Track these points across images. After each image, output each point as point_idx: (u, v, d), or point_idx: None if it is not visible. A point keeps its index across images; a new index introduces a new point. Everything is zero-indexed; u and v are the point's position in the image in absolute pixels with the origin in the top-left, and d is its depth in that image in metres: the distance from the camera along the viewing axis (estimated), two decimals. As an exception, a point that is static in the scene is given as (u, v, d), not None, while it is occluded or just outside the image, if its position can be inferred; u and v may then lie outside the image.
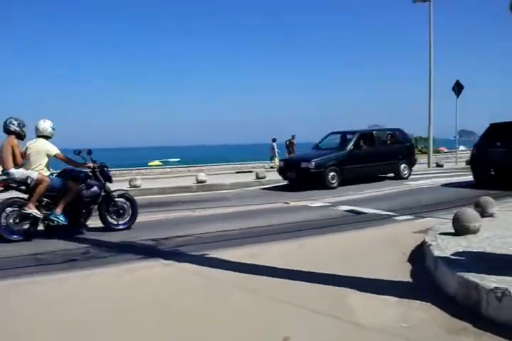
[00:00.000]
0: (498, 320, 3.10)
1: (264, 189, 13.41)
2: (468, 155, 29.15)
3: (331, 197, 10.90)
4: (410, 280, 4.36)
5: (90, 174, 7.29)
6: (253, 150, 60.14)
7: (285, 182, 13.88)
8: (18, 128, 6.98)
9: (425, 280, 4.29)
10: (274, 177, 14.75)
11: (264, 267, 4.93)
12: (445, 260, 4.14)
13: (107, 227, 7.30)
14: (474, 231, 5.25)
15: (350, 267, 4.81)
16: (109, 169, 7.72)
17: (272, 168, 21.47)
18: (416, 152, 30.65)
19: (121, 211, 7.39)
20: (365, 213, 8.42)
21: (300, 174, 12.87)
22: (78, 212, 7.04)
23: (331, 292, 4.03)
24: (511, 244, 4.74)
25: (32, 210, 6.62)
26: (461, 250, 4.50)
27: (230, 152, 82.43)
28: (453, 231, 5.43)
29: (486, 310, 3.21)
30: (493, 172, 11.40)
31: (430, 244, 4.89)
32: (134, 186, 12.66)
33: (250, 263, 5.11)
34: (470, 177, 12.42)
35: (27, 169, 6.84)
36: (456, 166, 19.43)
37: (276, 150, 23.90)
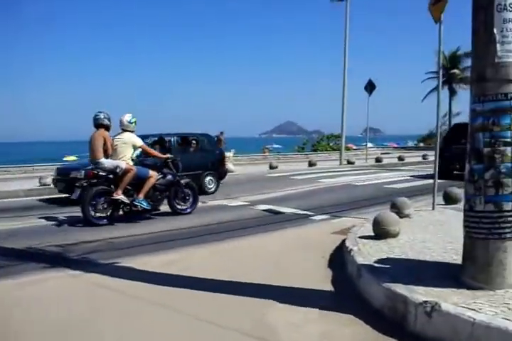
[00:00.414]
0: (426, 335, 2.96)
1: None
2: (377, 152, 30.76)
3: (253, 195, 10.70)
4: (332, 288, 4.18)
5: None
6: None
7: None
8: (107, 122, 7.77)
9: (348, 289, 4.12)
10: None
11: (182, 278, 4.53)
12: (369, 268, 3.99)
13: (174, 212, 8.28)
14: (394, 235, 5.20)
15: (269, 275, 4.55)
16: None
17: None
18: (327, 149, 31.81)
19: (187, 197, 8.47)
20: (283, 213, 8.28)
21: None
22: (155, 198, 7.92)
23: (250, 306, 3.73)
24: (432, 248, 4.73)
25: (120, 196, 7.41)
26: (384, 256, 4.39)
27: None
28: (373, 234, 5.37)
29: (414, 325, 3.06)
30: (458, 166, 12.38)
31: (351, 249, 4.76)
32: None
33: (167, 273, 4.69)
34: (382, 175, 12.75)
35: (114, 159, 7.59)
36: (366, 163, 19.96)
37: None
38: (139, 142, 7.83)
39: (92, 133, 7.70)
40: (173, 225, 7.30)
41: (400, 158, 20.80)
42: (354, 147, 38.11)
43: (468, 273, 3.38)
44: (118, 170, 7.45)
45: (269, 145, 48.93)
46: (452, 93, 34.53)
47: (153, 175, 7.76)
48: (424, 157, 21.73)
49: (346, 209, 8.47)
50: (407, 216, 6.61)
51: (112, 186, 7.48)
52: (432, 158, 21.58)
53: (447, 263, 4.11)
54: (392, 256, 4.47)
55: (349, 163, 19.63)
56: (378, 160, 20.05)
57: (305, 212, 8.28)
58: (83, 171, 7.53)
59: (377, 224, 5.24)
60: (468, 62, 34.55)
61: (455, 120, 36.41)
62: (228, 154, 24.29)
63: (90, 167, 7.72)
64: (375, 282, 3.62)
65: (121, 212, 7.68)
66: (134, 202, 7.57)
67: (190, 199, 8.52)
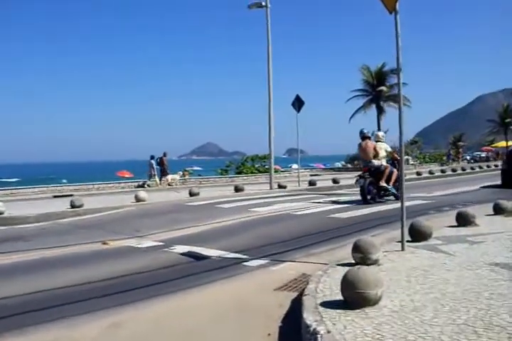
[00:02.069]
0: None
1: (81, 220, 10.85)
2: (306, 174, 29.84)
3: (169, 230, 8.88)
4: None
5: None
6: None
7: (115, 211, 11.54)
8: (369, 135, 12.12)
9: None
10: (99, 205, 12.36)
11: None
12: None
13: (396, 197, 11.60)
14: (375, 302, 3.66)
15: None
16: None
17: (148, 186, 22.22)
18: (253, 171, 30.39)
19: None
20: (207, 257, 6.57)
21: None
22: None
23: None
24: (437, 324, 3.22)
25: (384, 184, 11.53)
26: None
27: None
28: (341, 298, 3.81)
29: None
30: None
31: (317, 332, 3.16)
32: None
33: None
34: (325, 199, 11.59)
35: (377, 160, 11.70)
36: (299, 187, 18.63)
37: (155, 167, 23.84)
38: (389, 149, 12.22)
39: (360, 142, 12.11)
40: (44, 284, 5.33)
41: (335, 181, 19.71)
42: (281, 169, 37.10)
43: None
44: (382, 168, 11.74)
45: (189, 167, 46.99)
46: (380, 111, 34.54)
47: (395, 171, 11.67)
48: (359, 179, 20.88)
49: (289, 249, 6.92)
50: (376, 262, 5.15)
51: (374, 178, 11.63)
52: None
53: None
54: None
55: (280, 187, 18.12)
56: (312, 183, 18.83)
57: (236, 255, 6.62)
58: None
59: (348, 286, 3.68)
60: (395, 79, 34.89)
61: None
62: (172, 177, 23.38)
63: (364, 165, 12.04)
64: None
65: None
66: (389, 189, 11.74)
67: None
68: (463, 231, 7.34)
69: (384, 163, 11.80)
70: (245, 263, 6.18)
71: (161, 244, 7.64)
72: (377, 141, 12.19)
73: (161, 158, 24.27)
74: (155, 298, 4.78)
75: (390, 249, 6.14)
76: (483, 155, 54.87)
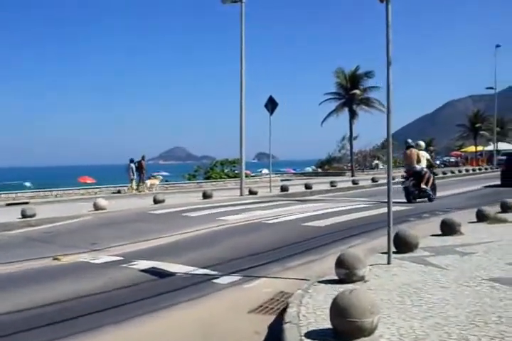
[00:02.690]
0: None
1: (31, 232, 10.01)
2: (277, 179, 29.37)
3: (130, 243, 8.21)
4: None
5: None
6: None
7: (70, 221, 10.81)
8: (413, 144, 14.31)
9: None
10: (54, 214, 11.55)
11: None
12: None
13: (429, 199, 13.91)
14: (371, 331, 3.12)
15: None
16: None
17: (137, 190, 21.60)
18: (222, 176, 29.68)
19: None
20: (172, 274, 5.94)
21: None
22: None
23: None
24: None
25: (425, 186, 13.73)
26: None
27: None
28: (329, 326, 3.27)
29: None
30: None
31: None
32: None
33: None
34: (295, 208, 11.02)
35: (419, 165, 13.83)
36: (271, 193, 18.07)
37: (134, 171, 22.69)
38: (428, 156, 14.43)
39: (405, 151, 14.34)
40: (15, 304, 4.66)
41: (308, 186, 19.23)
42: (251, 174, 36.50)
43: None
44: (423, 172, 13.64)
45: (155, 172, 45.95)
46: (353, 115, 34.32)
47: (432, 175, 14.09)
48: (332, 184, 20.47)
49: (263, 263, 6.38)
50: (362, 279, 4.64)
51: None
52: (343, 185, 20.30)
53: None
54: None
55: (251, 193, 17.46)
56: (284, 188, 18.29)
57: (205, 271, 6.03)
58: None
59: (339, 313, 3.13)
60: (369, 83, 34.73)
61: (354, 144, 36.42)
62: (151, 182, 22.40)
63: (408, 169, 13.96)
64: None
65: None
66: (427, 191, 13.76)
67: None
68: (449, 240, 6.93)
69: (424, 168, 13.85)
70: (215, 281, 5.59)
71: (119, 258, 6.97)
72: (419, 150, 14.21)
73: (139, 162, 23.38)
74: (108, 326, 4.14)
75: (374, 261, 5.66)
76: (453, 160, 55.46)
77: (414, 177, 13.67)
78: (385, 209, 5.86)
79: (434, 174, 14.97)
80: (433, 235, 7.35)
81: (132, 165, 22.78)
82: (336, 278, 4.77)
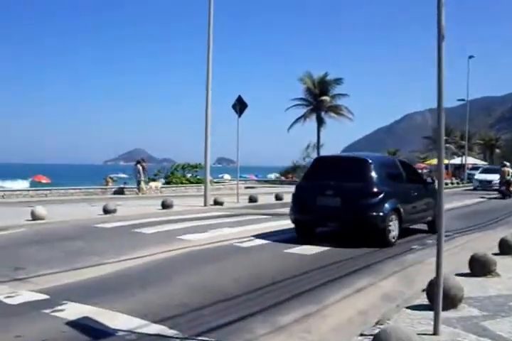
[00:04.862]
0: None
1: None
2: (241, 186, 27.49)
3: (63, 271, 6.26)
4: None
5: None
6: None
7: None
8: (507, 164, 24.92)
9: None
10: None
11: None
12: None
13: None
14: None
15: None
16: None
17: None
18: (183, 182, 27.60)
19: None
20: (110, 334, 4.05)
21: None
22: None
23: None
24: None
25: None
26: None
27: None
28: None
29: None
30: None
31: None
32: None
33: None
34: (271, 225, 9.30)
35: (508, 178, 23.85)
36: (239, 204, 16.19)
37: (142, 173, 21.99)
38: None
39: (503, 169, 24.04)
40: None
41: (278, 197, 17.50)
42: (214, 179, 34.56)
43: None
44: (510, 180, 23.35)
45: (113, 174, 43.38)
46: (320, 122, 32.99)
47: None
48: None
49: (243, 316, 4.56)
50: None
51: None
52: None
53: None
54: None
55: (217, 203, 15.45)
56: (253, 199, 16.51)
57: (159, 330, 4.17)
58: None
59: None
60: (338, 89, 33.50)
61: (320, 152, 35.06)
62: (155, 184, 22.76)
63: (504, 181, 23.81)
64: None
65: None
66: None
67: None
68: (487, 286, 5.27)
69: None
70: (173, 342, 3.76)
71: (44, 297, 5.06)
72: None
73: (141, 163, 22.74)
74: None
75: (406, 323, 3.91)
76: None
77: (506, 184, 23.14)
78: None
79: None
80: (459, 274, 5.69)
81: (139, 166, 22.03)
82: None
